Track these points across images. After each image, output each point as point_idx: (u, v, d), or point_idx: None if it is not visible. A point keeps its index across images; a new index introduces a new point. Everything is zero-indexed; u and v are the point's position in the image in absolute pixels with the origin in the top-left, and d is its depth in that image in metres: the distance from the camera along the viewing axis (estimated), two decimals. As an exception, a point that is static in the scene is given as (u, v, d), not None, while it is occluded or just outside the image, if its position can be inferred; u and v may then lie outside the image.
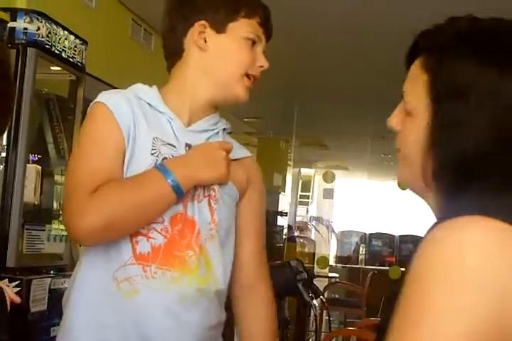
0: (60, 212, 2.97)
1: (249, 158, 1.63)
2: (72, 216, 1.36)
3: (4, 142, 2.66)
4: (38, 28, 2.75)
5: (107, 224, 1.33)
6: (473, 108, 0.88)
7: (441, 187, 0.92)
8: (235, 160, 1.53)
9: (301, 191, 13.09)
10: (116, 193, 1.36)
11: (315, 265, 8.58)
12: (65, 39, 2.95)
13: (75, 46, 3.04)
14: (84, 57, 3.12)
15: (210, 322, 1.46)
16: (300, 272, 3.40)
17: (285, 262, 3.54)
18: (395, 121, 1.00)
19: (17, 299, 1.15)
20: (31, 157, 2.88)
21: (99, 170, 1.38)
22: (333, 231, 12.79)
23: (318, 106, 7.42)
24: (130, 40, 4.63)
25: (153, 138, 1.44)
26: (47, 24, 2.80)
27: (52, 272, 2.81)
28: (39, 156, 2.98)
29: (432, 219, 0.99)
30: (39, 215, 2.93)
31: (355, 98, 6.78)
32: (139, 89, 1.51)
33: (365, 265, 10.72)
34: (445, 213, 0.85)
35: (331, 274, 8.99)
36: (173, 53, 1.55)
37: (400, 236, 12.07)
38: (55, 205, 3.03)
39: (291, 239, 9.27)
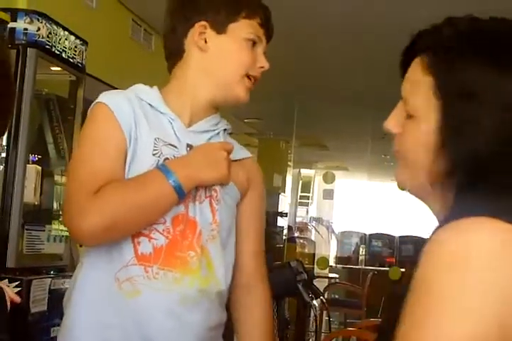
0: (60, 213, 2.97)
1: (250, 158, 1.63)
2: (73, 216, 1.36)
3: (4, 142, 2.66)
4: (38, 29, 2.75)
5: (108, 225, 1.33)
6: (484, 108, 0.88)
7: (452, 186, 0.91)
8: (236, 160, 1.53)
9: (301, 192, 13.09)
10: (118, 194, 1.36)
11: (315, 265, 8.58)
12: (65, 39, 2.95)
13: (75, 46, 3.04)
14: (84, 57, 3.12)
15: (211, 322, 1.46)
16: (300, 273, 3.40)
17: (285, 263, 3.54)
18: (393, 124, 1.00)
19: (17, 298, 1.15)
20: (31, 157, 2.88)
21: (100, 171, 1.38)
22: (333, 231, 12.79)
23: (319, 106, 7.41)
24: (130, 41, 4.63)
25: (155, 139, 1.44)
26: (47, 24, 2.80)
27: (52, 272, 2.81)
28: (39, 156, 2.98)
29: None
30: (39, 215, 2.93)
31: (355, 98, 6.78)
32: (140, 89, 1.51)
33: (365, 265, 10.71)
34: (454, 212, 0.85)
35: (331, 275, 8.98)
36: (174, 54, 1.55)
37: (399, 236, 12.08)
38: (55, 206, 3.03)
39: (291, 239, 9.27)
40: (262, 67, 1.54)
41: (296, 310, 4.94)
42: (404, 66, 1.00)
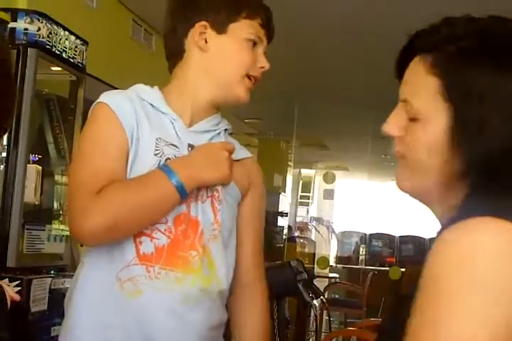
0: (61, 212, 2.98)
1: (250, 158, 1.63)
2: (75, 216, 1.36)
3: (5, 142, 2.66)
4: (39, 29, 2.75)
5: (110, 225, 1.33)
6: (494, 108, 0.88)
7: (462, 187, 0.91)
8: (237, 160, 1.53)
9: (302, 192, 13.10)
10: (120, 194, 1.36)
11: (315, 265, 8.58)
12: (66, 39, 2.95)
13: (76, 46, 3.05)
14: (84, 57, 3.13)
15: (213, 322, 1.46)
16: (300, 272, 3.40)
17: (285, 262, 3.54)
18: (393, 127, 0.98)
19: (17, 297, 1.16)
20: (32, 157, 2.88)
21: (102, 171, 1.38)
22: (333, 231, 12.79)
23: (319, 106, 7.41)
24: (130, 41, 4.63)
25: (157, 139, 1.44)
26: (47, 24, 2.80)
27: (52, 272, 2.81)
28: (39, 156, 2.98)
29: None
30: (39, 215, 2.93)
31: (355, 98, 6.78)
32: (141, 89, 1.51)
33: (365, 265, 10.71)
34: (461, 213, 0.85)
35: (331, 274, 8.99)
36: (174, 54, 1.55)
37: (400, 236, 12.09)
38: (56, 205, 3.03)
39: (292, 239, 9.28)
40: (263, 68, 1.54)
41: (297, 309, 4.94)
42: (401, 66, 1.00)
